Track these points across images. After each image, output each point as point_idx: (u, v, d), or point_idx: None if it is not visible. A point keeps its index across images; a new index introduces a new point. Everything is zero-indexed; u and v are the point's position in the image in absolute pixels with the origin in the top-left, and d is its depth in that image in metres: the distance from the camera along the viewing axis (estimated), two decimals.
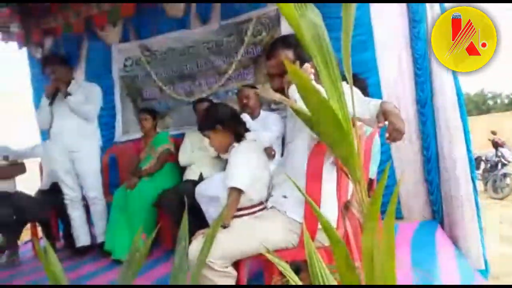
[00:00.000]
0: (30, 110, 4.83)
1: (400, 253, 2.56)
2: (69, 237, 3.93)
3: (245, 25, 4.00)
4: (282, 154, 3.02)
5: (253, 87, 3.46)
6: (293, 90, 1.61)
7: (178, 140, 3.84)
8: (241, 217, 1.89)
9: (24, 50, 5.07)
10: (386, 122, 1.50)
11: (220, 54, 4.15)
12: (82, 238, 3.65)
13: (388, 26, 3.50)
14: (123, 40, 4.60)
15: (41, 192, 4.16)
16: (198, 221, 2.82)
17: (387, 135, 1.49)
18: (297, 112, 1.15)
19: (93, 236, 3.76)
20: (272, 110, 3.71)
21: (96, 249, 3.61)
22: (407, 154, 3.48)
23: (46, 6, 4.60)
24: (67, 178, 3.57)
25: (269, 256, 1.14)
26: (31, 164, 4.25)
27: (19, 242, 3.95)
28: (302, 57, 1.72)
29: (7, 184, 3.83)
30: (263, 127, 3.10)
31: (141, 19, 4.45)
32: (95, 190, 3.59)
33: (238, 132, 2.06)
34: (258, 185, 1.95)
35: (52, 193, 3.92)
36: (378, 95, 3.43)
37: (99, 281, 2.88)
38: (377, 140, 2.78)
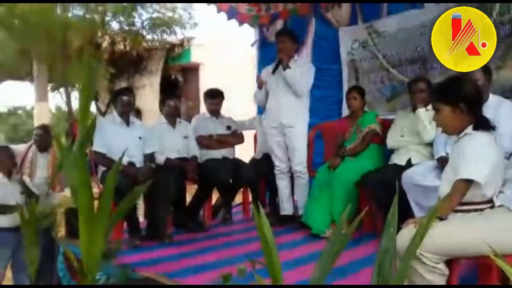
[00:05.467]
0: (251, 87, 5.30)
1: None
2: (274, 205, 4.25)
3: (490, 3, 3.53)
4: None
5: (483, 65, 3.00)
6: None
7: (386, 122, 3.69)
8: (466, 212, 1.68)
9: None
10: None
11: None
12: (286, 207, 3.88)
13: None
14: (351, 23, 4.61)
15: (253, 160, 4.58)
16: (401, 208, 2.66)
17: None
18: None
19: (295, 207, 3.96)
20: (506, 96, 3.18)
21: (297, 220, 3.79)
22: None
23: None
24: (278, 151, 3.81)
25: (497, 260, 0.97)
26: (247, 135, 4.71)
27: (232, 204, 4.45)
28: None
29: (228, 151, 4.35)
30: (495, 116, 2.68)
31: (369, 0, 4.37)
32: (301, 164, 3.75)
33: (477, 117, 1.78)
34: (494, 180, 1.69)
35: (263, 163, 4.26)
36: None
37: (297, 252, 3.01)
38: None
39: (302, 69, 3.70)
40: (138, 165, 3.56)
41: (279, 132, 3.77)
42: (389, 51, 4.31)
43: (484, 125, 1.76)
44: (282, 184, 3.87)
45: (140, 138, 3.68)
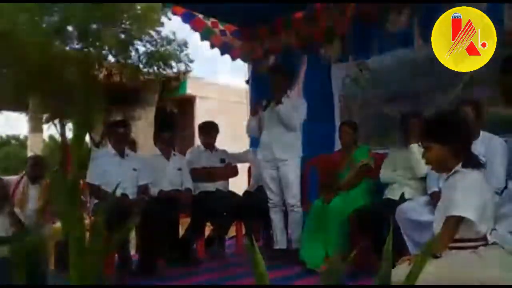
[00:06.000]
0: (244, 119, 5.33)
1: None
2: (267, 238, 4.20)
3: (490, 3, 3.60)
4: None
5: (473, 102, 3.06)
6: None
7: (380, 156, 3.71)
8: (461, 249, 1.68)
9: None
10: None
11: (448, 72, 3.86)
12: (279, 241, 3.84)
13: None
14: (343, 59, 4.72)
15: (247, 193, 4.56)
16: (396, 244, 2.64)
17: None
18: None
19: (289, 241, 3.92)
20: (503, 132, 3.22)
21: (292, 254, 3.74)
22: None
23: (269, 28, 5.05)
24: (272, 185, 3.82)
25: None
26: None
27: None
28: None
29: (222, 184, 4.34)
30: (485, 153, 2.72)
31: (360, 38, 4.49)
32: (294, 197, 3.74)
33: (466, 155, 1.80)
34: (486, 217, 1.70)
35: (257, 196, 4.25)
36: None
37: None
38: None
39: (295, 104, 3.75)
40: (131, 197, 3.54)
41: (273, 165, 3.78)
42: (380, 88, 4.40)
43: (473, 162, 1.78)
44: (276, 217, 3.85)
45: (134, 169, 3.67)
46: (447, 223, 1.70)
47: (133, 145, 4.76)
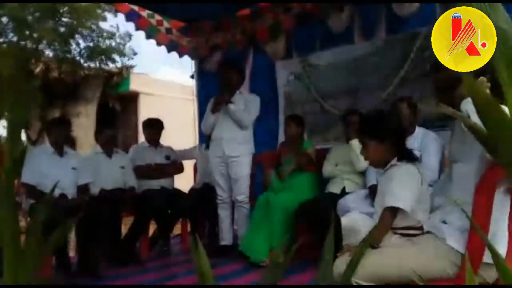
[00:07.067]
0: (192, 116, 5.27)
1: None
2: (213, 235, 4.19)
3: (412, 40, 3.86)
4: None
5: (408, 99, 3.22)
6: (466, 105, 1.47)
7: (321, 152, 3.81)
8: (403, 236, 1.77)
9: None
10: None
11: (384, 70, 4.04)
12: (226, 238, 3.84)
13: None
14: (287, 56, 4.79)
15: (193, 190, 4.51)
16: (337, 236, 2.74)
17: None
18: (472, 129, 1.01)
19: (235, 237, 3.94)
20: (436, 127, 3.42)
21: (237, 250, 3.76)
22: None
23: (215, 24, 5.04)
24: (221, 181, 3.80)
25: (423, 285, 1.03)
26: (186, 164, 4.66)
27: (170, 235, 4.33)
28: (477, 70, 1.53)
29: (166, 181, 4.26)
30: (420, 148, 2.88)
31: (303, 35, 4.58)
32: (243, 194, 3.75)
33: (401, 149, 1.90)
34: (423, 207, 1.81)
35: (203, 193, 4.22)
36: None
37: (236, 282, 2.96)
38: None
39: (247, 100, 3.75)
40: (70, 197, 3.40)
41: (223, 162, 3.77)
42: (322, 84, 4.54)
43: (408, 156, 1.88)
44: (224, 213, 3.84)
45: (73, 168, 3.53)
46: (383, 214, 1.78)
47: (72, 142, 4.56)
